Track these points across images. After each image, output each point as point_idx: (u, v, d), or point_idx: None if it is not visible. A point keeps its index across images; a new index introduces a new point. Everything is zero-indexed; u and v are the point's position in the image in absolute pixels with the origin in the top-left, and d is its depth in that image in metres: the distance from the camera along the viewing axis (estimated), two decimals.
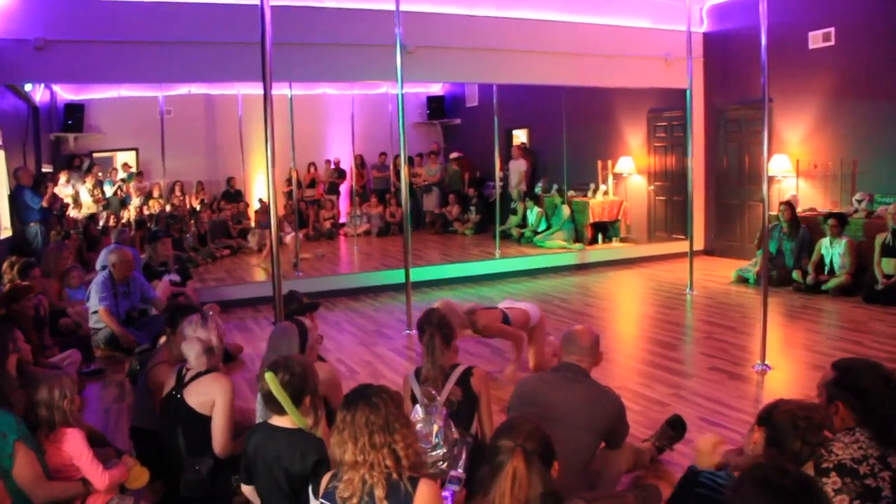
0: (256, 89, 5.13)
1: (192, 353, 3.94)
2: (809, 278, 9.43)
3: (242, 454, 3.36)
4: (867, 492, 2.73)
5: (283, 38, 7.20)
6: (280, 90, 12.82)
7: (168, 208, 14.44)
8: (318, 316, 5.27)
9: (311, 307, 5.17)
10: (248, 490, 3.37)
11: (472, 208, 16.01)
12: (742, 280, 10.18)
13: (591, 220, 13.47)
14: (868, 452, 2.78)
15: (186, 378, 3.96)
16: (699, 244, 12.11)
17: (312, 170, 17.17)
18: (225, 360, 6.88)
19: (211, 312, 4.32)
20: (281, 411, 3.21)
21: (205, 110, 16.28)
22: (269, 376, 3.18)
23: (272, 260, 5.25)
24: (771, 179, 10.78)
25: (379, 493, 2.57)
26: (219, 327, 4.11)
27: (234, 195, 16.09)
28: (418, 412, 3.84)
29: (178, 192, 15.23)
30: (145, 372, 4.66)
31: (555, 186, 14.60)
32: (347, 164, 17.35)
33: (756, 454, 2.79)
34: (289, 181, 15.16)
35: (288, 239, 12.71)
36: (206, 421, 3.85)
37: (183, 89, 14.85)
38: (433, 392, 3.87)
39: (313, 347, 4.19)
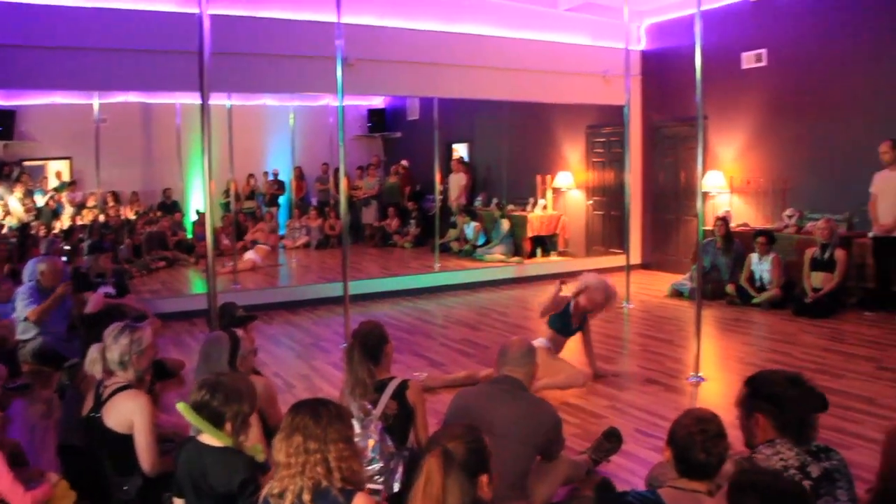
0: (195, 99, 5.06)
1: (108, 363, 3.83)
2: (751, 292, 9.64)
3: (174, 469, 3.28)
4: None
5: (222, 48, 7.14)
6: (219, 100, 12.68)
7: (102, 219, 14.14)
8: (254, 328, 5.19)
9: (247, 319, 5.10)
10: (179, 503, 3.30)
11: (412, 221, 15.99)
12: (677, 294, 10.35)
13: (530, 234, 13.56)
14: (789, 463, 2.85)
15: (104, 396, 3.80)
16: (636, 258, 12.28)
17: (252, 181, 17.00)
18: (165, 376, 6.77)
19: (143, 324, 4.20)
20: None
21: (141, 119, 16.01)
22: (181, 407, 3.11)
23: (208, 272, 5.17)
24: (705, 195, 11.04)
25: (306, 496, 2.55)
26: (149, 339, 3.98)
27: (171, 206, 15.82)
28: (354, 427, 3.80)
29: (111, 203, 14.93)
30: (74, 386, 4.53)
31: (494, 200, 14.67)
32: (287, 176, 17.23)
33: (670, 472, 2.84)
34: (226, 192, 15.00)
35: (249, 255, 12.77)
36: (128, 440, 3.70)
37: (119, 97, 14.58)
38: (368, 406, 3.84)
39: (246, 359, 4.11)
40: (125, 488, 3.70)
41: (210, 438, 3.12)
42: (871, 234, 8.96)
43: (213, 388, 3.12)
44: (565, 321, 6.51)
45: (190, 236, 14.95)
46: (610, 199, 13.21)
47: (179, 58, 8.11)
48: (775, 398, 2.97)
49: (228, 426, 3.11)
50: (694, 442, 2.72)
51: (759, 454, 2.94)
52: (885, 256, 8.81)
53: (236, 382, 3.25)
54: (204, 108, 4.99)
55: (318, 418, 2.64)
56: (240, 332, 4.22)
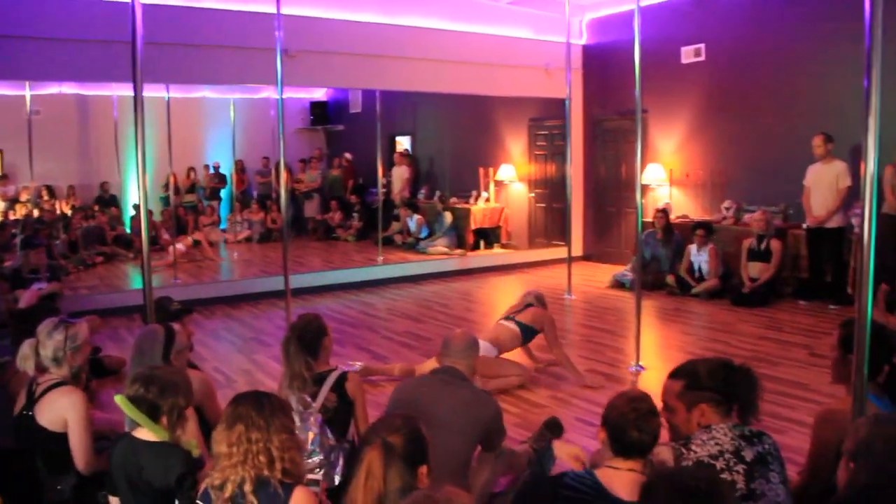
0: (132, 90, 4.94)
1: (42, 360, 3.73)
2: (690, 282, 9.80)
3: (109, 467, 3.20)
4: None
5: (158, 38, 7.01)
6: (157, 92, 12.47)
7: (36, 213, 13.80)
8: (192, 322, 5.10)
9: (182, 313, 5.00)
10: (114, 502, 3.22)
11: (355, 215, 15.91)
12: (619, 285, 10.46)
13: (473, 227, 13.61)
14: (724, 448, 2.91)
15: (37, 393, 3.69)
16: (578, 250, 12.38)
17: (192, 175, 16.74)
18: (105, 373, 6.64)
19: (80, 319, 4.09)
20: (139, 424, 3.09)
21: (77, 111, 15.63)
22: (118, 399, 3.05)
23: (143, 267, 5.07)
24: (645, 188, 11.18)
25: (248, 486, 2.52)
26: (84, 335, 3.88)
27: (109, 200, 15.50)
28: (294, 420, 3.77)
29: (46, 197, 14.57)
30: (2, 385, 4.40)
31: (437, 193, 14.68)
32: (228, 170, 17.01)
33: (606, 454, 2.88)
34: (165, 186, 14.77)
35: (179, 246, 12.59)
36: (62, 438, 3.60)
37: (53, 89, 14.20)
38: (308, 399, 3.81)
39: (181, 353, 4.03)
40: (59, 488, 3.61)
41: (145, 433, 3.06)
42: (805, 226, 9.18)
43: (147, 381, 3.06)
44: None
45: (129, 231, 14.65)
46: (552, 192, 13.30)
47: (113, 48, 7.92)
48: (722, 386, 3.01)
49: (165, 420, 3.05)
50: (627, 421, 2.75)
51: (695, 440, 2.99)
52: (818, 247, 9.03)
53: (171, 375, 3.19)
54: (137, 99, 4.88)
55: (261, 408, 2.62)
56: (176, 326, 4.14)
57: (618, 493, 2.66)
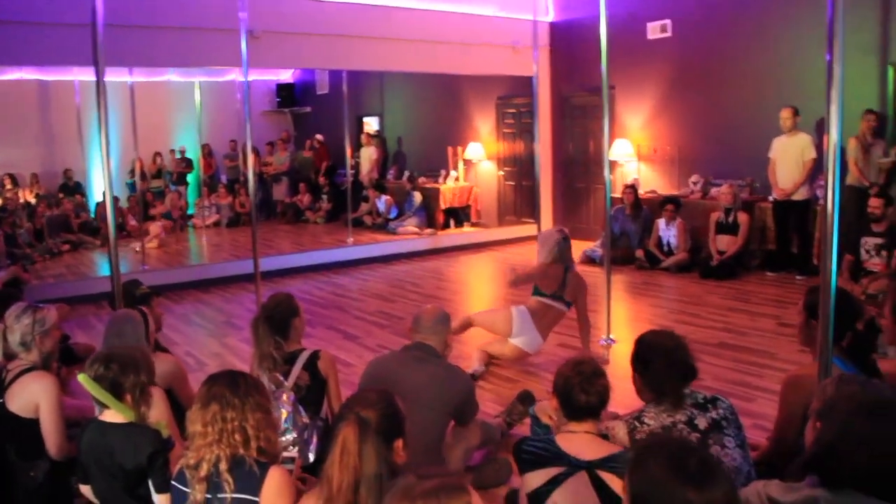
0: (93, 75, 4.86)
1: (10, 346, 3.69)
2: (659, 256, 9.91)
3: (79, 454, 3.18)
4: None
5: (119, 20, 6.91)
6: (120, 76, 12.30)
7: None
8: (160, 305, 5.06)
9: (149, 296, 4.93)
10: (86, 490, 3.20)
11: (324, 197, 15.84)
12: (589, 260, 10.51)
13: (443, 206, 13.61)
14: (676, 418, 2.97)
15: (7, 380, 3.65)
16: (548, 227, 12.38)
17: (158, 160, 16.55)
18: (75, 361, 6.56)
19: (48, 305, 4.04)
20: (105, 405, 3.05)
21: (38, 97, 15.35)
22: (82, 378, 3.02)
23: (110, 253, 5.02)
24: (614, 164, 11.25)
25: (223, 465, 2.52)
26: (53, 319, 3.84)
27: (73, 188, 15.28)
28: (270, 399, 3.77)
29: (9, 185, 14.35)
30: None
31: (406, 173, 14.65)
32: (195, 154, 16.83)
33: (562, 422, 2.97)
34: (132, 172, 14.60)
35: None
36: (34, 424, 3.56)
37: (13, 74, 13.95)
38: (280, 378, 3.81)
39: (151, 336, 4.02)
40: (32, 474, 3.58)
41: (113, 416, 3.04)
42: (771, 198, 9.28)
43: (106, 360, 3.05)
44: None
45: (94, 218, 14.47)
46: (521, 170, 13.33)
47: (74, 31, 7.79)
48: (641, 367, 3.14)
49: (129, 398, 3.03)
50: (572, 385, 2.84)
51: (647, 413, 3.04)
52: (784, 219, 9.14)
53: (131, 352, 3.17)
54: (99, 84, 4.79)
55: (236, 388, 2.61)
56: (144, 309, 4.12)
57: (576, 454, 2.74)
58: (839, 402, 2.11)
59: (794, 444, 3.08)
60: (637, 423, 3.01)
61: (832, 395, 2.16)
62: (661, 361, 3.03)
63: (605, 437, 2.97)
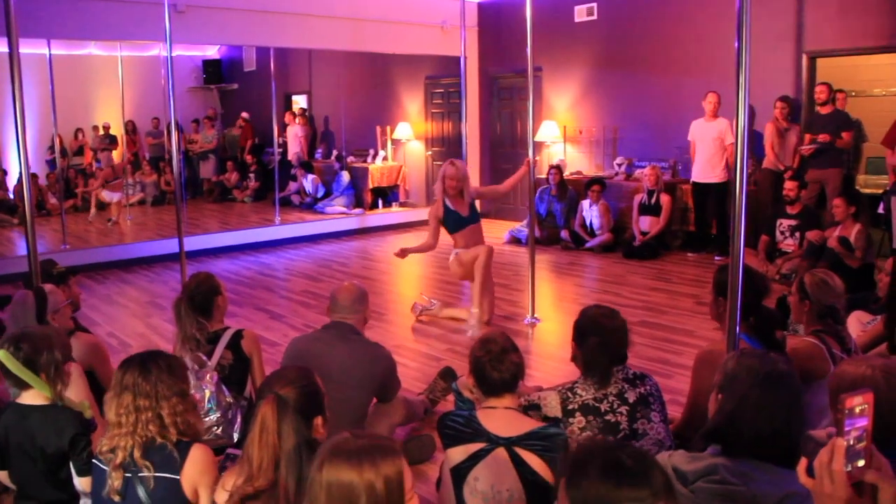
0: (5, 47, 4.72)
1: None
2: (584, 236, 10.06)
3: None
4: (608, 427, 3.03)
5: None
6: (38, 48, 11.92)
7: None
8: (77, 284, 4.94)
9: (66, 275, 4.83)
10: (2, 475, 3.15)
11: (251, 175, 15.65)
12: (515, 240, 10.65)
13: (371, 186, 13.56)
14: (607, 391, 3.08)
15: None
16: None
17: (80, 136, 16.12)
18: None
19: None
20: (23, 385, 2.98)
21: None
22: (2, 354, 2.98)
23: (27, 232, 4.90)
24: (540, 145, 11.38)
25: (137, 453, 2.52)
26: None
27: None
28: (189, 379, 3.75)
29: None
30: None
31: (334, 152, 14.57)
32: (119, 130, 16.43)
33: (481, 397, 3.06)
34: (51, 149, 14.19)
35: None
36: None
37: None
38: (203, 358, 3.80)
39: (59, 313, 3.88)
40: None
41: (32, 398, 2.99)
42: (691, 181, 9.52)
43: (17, 340, 2.97)
44: (453, 217, 6.80)
45: (12, 196, 14.04)
46: (449, 150, 13.35)
47: None
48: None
49: (44, 376, 2.97)
50: (483, 364, 2.93)
51: (580, 384, 3.14)
52: (703, 201, 9.39)
53: (43, 330, 3.12)
54: (13, 56, 4.66)
55: (148, 374, 2.58)
56: (50, 286, 4.01)
57: (496, 430, 2.83)
58: (739, 375, 2.22)
59: (705, 418, 3.21)
60: (570, 394, 3.11)
61: (733, 368, 2.26)
62: (595, 339, 3.11)
63: (533, 407, 3.08)
